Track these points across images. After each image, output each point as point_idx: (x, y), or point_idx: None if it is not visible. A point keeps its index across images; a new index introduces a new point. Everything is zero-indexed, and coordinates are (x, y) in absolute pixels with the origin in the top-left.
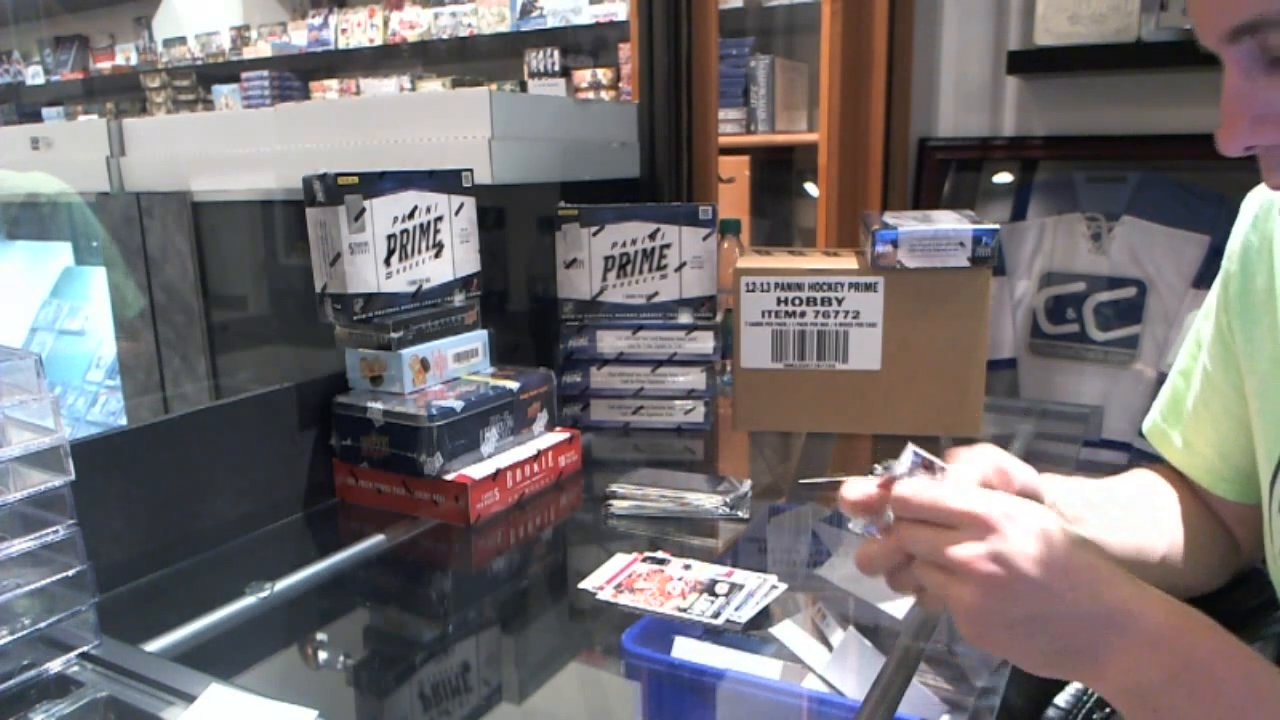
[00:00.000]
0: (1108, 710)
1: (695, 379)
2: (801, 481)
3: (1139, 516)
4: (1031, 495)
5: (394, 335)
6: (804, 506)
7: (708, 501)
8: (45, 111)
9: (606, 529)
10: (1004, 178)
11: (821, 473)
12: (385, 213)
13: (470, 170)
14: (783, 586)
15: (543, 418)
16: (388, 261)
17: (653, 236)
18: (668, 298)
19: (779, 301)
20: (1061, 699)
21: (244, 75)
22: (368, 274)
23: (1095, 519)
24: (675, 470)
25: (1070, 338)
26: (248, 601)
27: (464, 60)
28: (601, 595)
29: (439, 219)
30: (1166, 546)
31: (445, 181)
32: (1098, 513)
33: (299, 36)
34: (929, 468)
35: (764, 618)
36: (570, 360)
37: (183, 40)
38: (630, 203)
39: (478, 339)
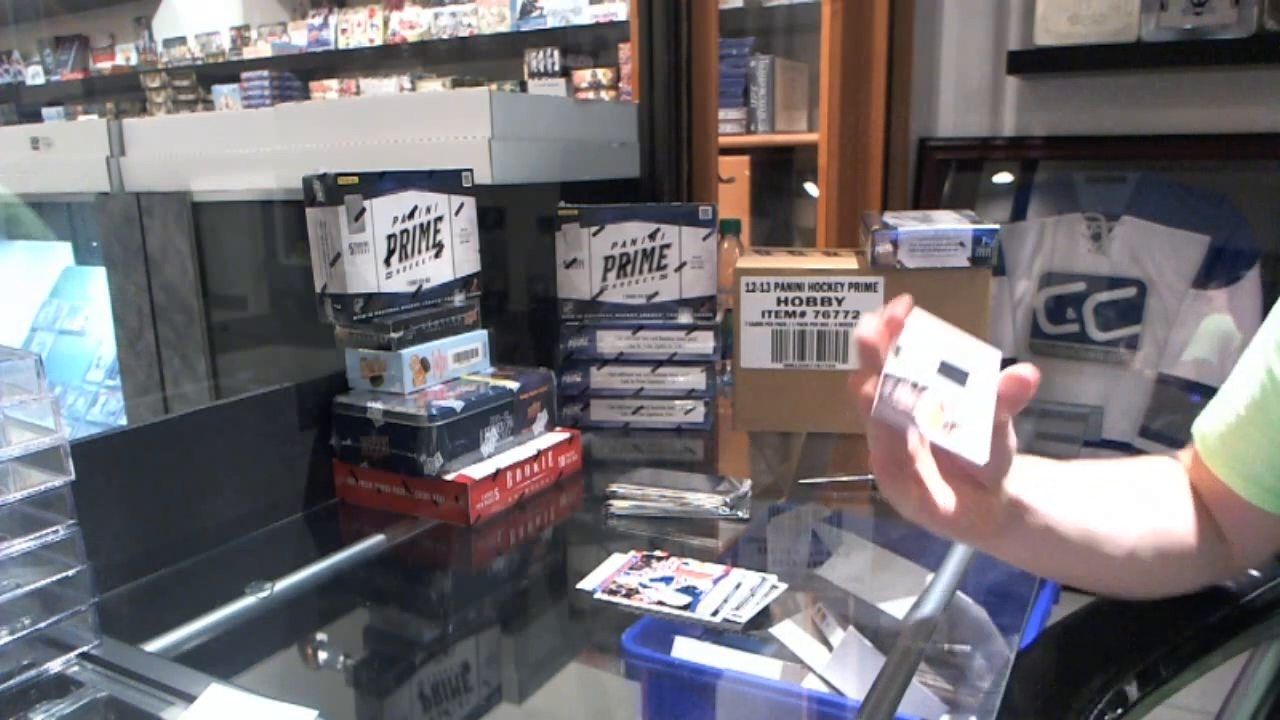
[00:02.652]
0: (1119, 711)
1: (695, 379)
2: (801, 481)
3: (1107, 506)
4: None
5: (394, 335)
6: (804, 506)
7: (708, 501)
8: (45, 111)
9: (606, 529)
10: (1004, 178)
11: (821, 473)
12: (385, 213)
13: (470, 170)
14: (783, 586)
15: (543, 418)
16: (388, 261)
17: (653, 236)
18: (668, 298)
19: (779, 301)
20: (1069, 697)
21: (244, 75)
22: (368, 274)
23: (1056, 501)
24: (675, 470)
25: (1070, 338)
26: (248, 601)
27: (464, 60)
28: (601, 595)
29: (439, 219)
30: (1139, 538)
31: (445, 181)
32: (1068, 497)
33: (299, 36)
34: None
35: (764, 618)
36: (570, 360)
37: (183, 40)
38: (630, 203)
39: (478, 339)
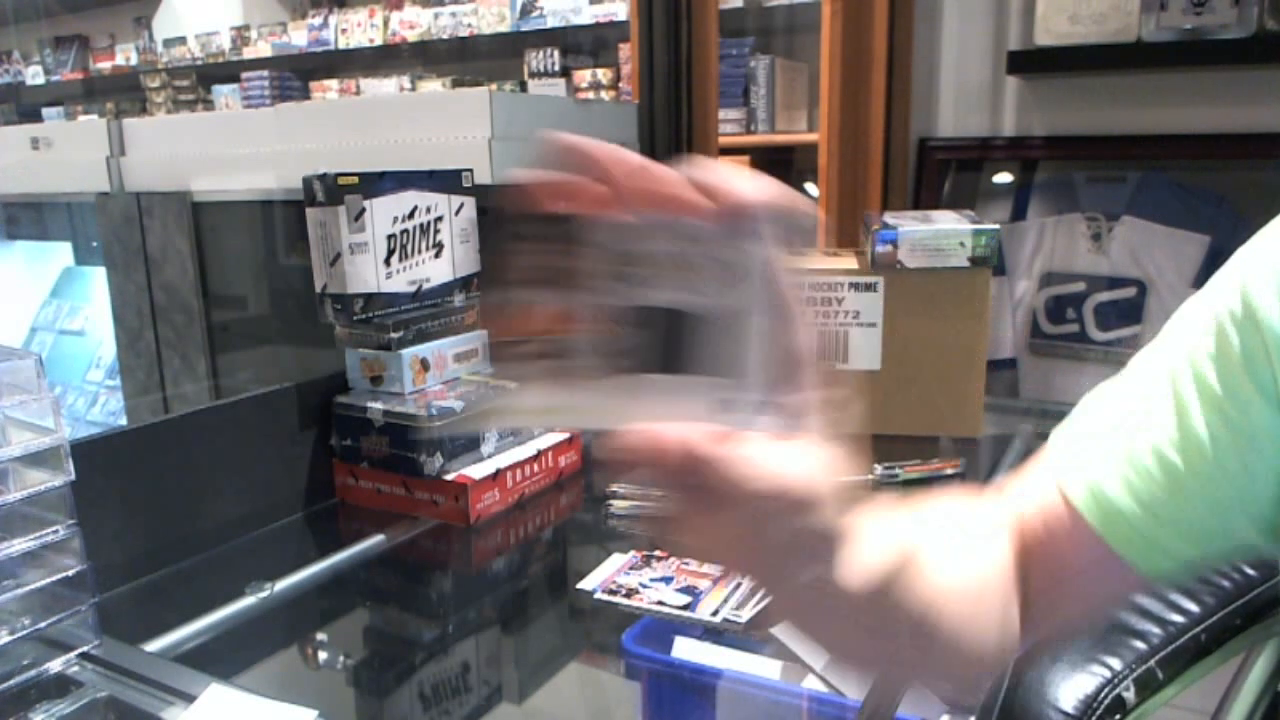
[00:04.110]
0: (1118, 715)
1: None
2: None
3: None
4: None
5: (394, 335)
6: None
7: None
8: (45, 111)
9: (606, 529)
10: (1004, 178)
11: None
12: (385, 213)
13: (470, 170)
14: None
15: None
16: (388, 261)
17: None
18: None
19: None
20: (1068, 703)
21: (244, 75)
22: (368, 274)
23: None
24: None
25: (1070, 338)
26: (248, 601)
27: (464, 60)
28: (601, 595)
29: (439, 219)
30: (933, 599)
31: (445, 181)
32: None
33: (299, 36)
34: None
35: (764, 617)
36: None
37: (183, 40)
38: None
39: (477, 339)
